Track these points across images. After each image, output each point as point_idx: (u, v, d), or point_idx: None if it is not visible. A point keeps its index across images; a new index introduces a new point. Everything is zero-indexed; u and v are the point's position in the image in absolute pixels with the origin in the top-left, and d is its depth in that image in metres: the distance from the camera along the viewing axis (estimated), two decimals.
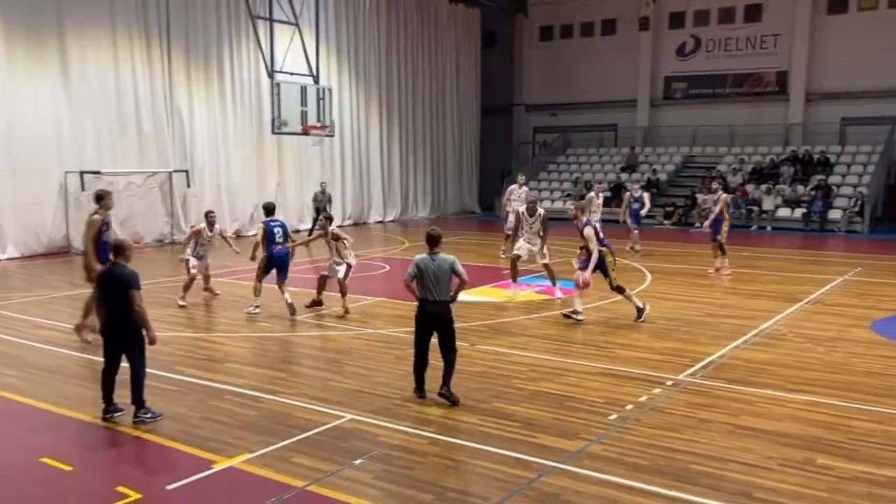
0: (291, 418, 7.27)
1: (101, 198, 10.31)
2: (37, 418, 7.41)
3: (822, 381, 8.50)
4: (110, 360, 7.24)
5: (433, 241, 7.88)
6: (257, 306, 12.08)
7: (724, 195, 16.56)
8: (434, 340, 7.81)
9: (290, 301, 11.78)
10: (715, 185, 18.27)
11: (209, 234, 12.98)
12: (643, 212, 20.08)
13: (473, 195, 35.15)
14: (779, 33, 30.04)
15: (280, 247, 11.97)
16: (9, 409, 7.72)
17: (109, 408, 7.29)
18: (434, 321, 7.72)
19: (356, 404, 7.66)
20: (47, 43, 19.12)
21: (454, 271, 7.77)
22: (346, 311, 11.83)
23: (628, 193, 20.14)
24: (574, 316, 11.39)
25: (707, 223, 16.60)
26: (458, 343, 7.91)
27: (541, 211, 13.91)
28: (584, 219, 11.84)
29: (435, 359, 7.86)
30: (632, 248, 19.29)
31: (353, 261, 12.04)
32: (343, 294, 11.86)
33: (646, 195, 20.39)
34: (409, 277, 7.76)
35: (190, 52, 22.48)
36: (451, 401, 7.60)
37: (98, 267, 9.36)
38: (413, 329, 7.91)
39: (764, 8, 30.16)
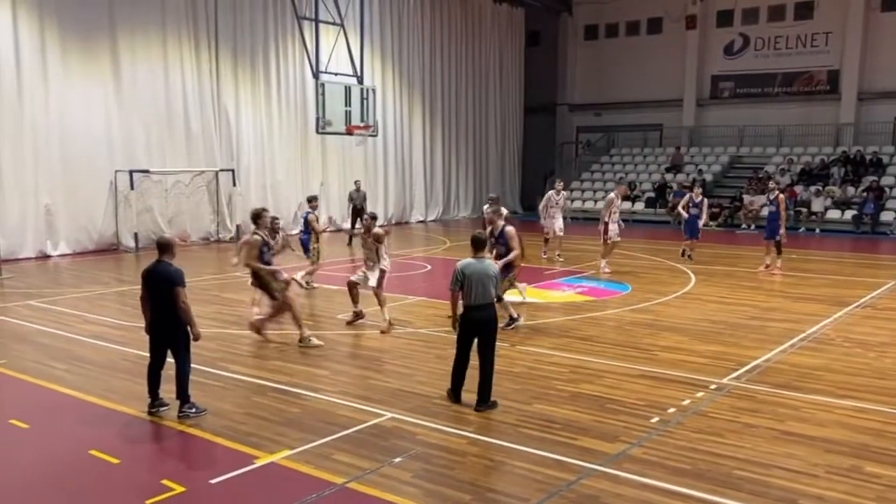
0: (332, 416, 7.34)
1: (259, 216, 10.28)
2: (85, 411, 7.60)
3: (871, 387, 8.29)
4: (155, 356, 7.40)
5: (480, 245, 7.76)
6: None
7: (781, 195, 16.58)
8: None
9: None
10: (772, 185, 17.82)
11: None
12: (700, 223, 17.96)
13: (515, 195, 35.04)
14: (830, 31, 29.37)
15: None
16: (59, 401, 7.92)
17: (155, 402, 7.44)
18: (481, 327, 7.52)
19: (396, 403, 7.70)
20: (100, 45, 19.58)
21: (497, 278, 7.67)
22: (390, 324, 10.90)
23: (688, 196, 18.25)
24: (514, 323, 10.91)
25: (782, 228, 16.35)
26: (498, 343, 7.85)
27: None
28: (501, 223, 11.06)
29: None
30: (687, 254, 17.98)
31: (387, 265, 11.11)
32: (381, 305, 10.96)
33: (706, 202, 18.52)
34: (456, 285, 7.51)
35: (237, 52, 22.84)
36: (491, 408, 7.51)
37: (284, 276, 9.97)
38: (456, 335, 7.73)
39: (815, 5, 29.53)
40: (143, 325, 7.54)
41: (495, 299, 7.67)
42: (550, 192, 18.08)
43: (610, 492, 5.70)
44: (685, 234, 18.10)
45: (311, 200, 14.71)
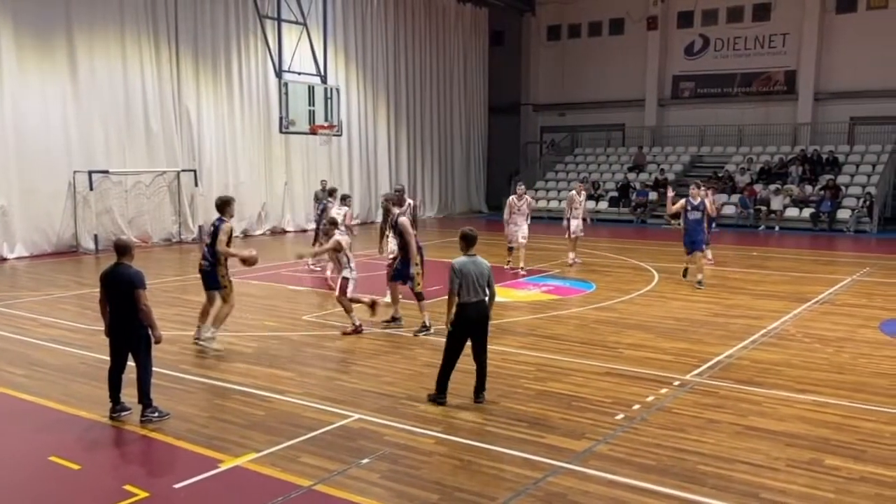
0: (298, 418, 7.28)
1: (228, 204, 9.95)
2: (44, 417, 7.44)
3: (831, 381, 8.46)
4: (116, 360, 7.27)
5: (471, 242, 7.75)
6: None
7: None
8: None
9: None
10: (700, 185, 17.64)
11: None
12: (703, 231, 14.74)
13: (481, 195, 35.15)
14: (787, 32, 29.93)
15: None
16: (16, 407, 7.75)
17: (116, 407, 7.30)
18: (477, 323, 7.52)
19: (363, 404, 7.66)
20: (56, 42, 19.20)
21: (490, 275, 7.63)
22: (356, 330, 10.68)
23: (685, 199, 14.88)
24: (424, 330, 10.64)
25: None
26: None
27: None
28: (396, 211, 11.20)
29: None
30: (696, 280, 14.36)
31: (349, 273, 10.61)
32: (347, 312, 10.68)
33: (710, 200, 15.78)
34: (455, 285, 7.43)
35: (198, 51, 22.57)
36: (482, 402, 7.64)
37: (245, 253, 9.89)
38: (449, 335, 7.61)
39: (772, 7, 30.07)
40: (103, 328, 7.39)
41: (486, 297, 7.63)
42: (512, 198, 16.63)
43: (577, 489, 5.74)
44: (685, 246, 14.80)
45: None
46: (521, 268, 15.97)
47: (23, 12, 18.39)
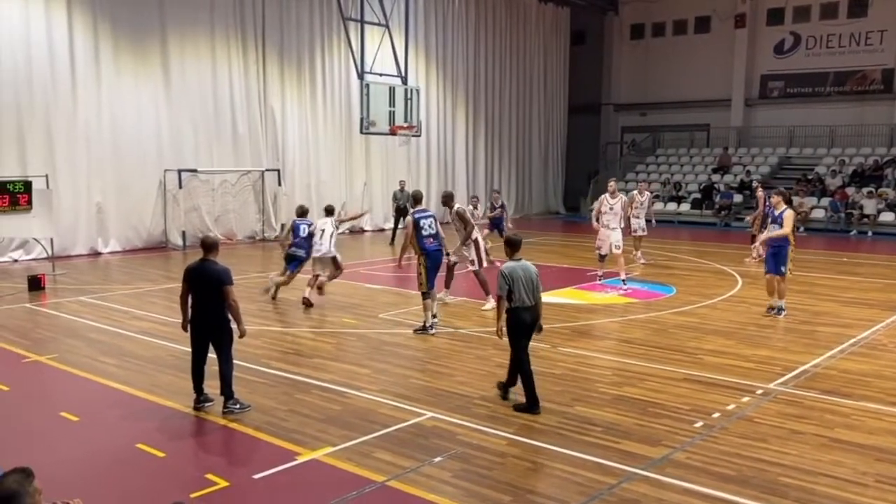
0: (374, 414, 7.38)
1: (419, 199, 11.43)
2: (133, 406, 7.76)
3: None
4: (198, 353, 7.52)
5: (516, 247, 7.73)
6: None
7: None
8: None
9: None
10: (755, 184, 18.46)
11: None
12: (786, 249, 11.85)
13: (559, 195, 34.86)
14: (885, 29, 28.63)
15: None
16: (108, 395, 8.11)
17: (200, 398, 7.56)
18: (531, 327, 7.53)
19: (437, 402, 7.72)
20: (150, 46, 19.99)
21: (538, 280, 7.60)
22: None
23: (760, 209, 15.59)
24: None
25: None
26: (540, 344, 7.83)
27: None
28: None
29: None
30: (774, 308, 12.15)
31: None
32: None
33: (789, 214, 11.64)
34: (503, 290, 7.41)
35: (284, 53, 23.11)
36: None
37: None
38: (511, 339, 7.59)
39: (869, 3, 28.82)
40: (181, 321, 7.64)
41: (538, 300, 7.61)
42: (604, 196, 15.12)
43: (652, 496, 5.64)
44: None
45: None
46: (623, 279, 14.55)
47: (120, 16, 19.22)
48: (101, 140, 19.12)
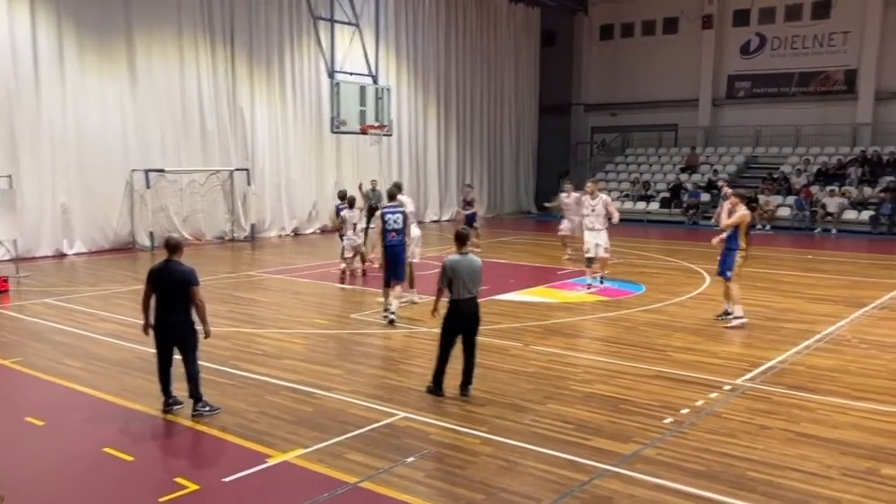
0: (346, 415, 7.35)
1: (393, 196, 11.71)
2: (99, 409, 7.64)
3: (888, 388, 8.21)
4: (163, 356, 7.41)
5: (464, 241, 7.97)
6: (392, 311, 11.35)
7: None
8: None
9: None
10: (720, 183, 18.25)
11: None
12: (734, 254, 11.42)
13: (530, 195, 35.01)
14: (848, 30, 29.14)
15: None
16: (73, 399, 7.98)
17: (169, 401, 7.47)
18: (468, 319, 7.79)
19: (409, 402, 7.70)
20: (116, 44, 19.72)
21: (481, 275, 7.86)
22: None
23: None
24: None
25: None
26: (512, 343, 7.88)
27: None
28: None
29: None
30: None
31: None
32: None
33: (726, 206, 11.77)
34: (444, 282, 7.75)
35: (253, 52, 22.92)
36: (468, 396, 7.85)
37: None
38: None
39: (832, 4, 29.31)
40: (143, 324, 7.49)
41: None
42: (583, 197, 15.25)
43: (623, 493, 5.68)
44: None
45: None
46: (589, 281, 14.28)
47: (85, 14, 18.94)
48: (66, 139, 18.83)
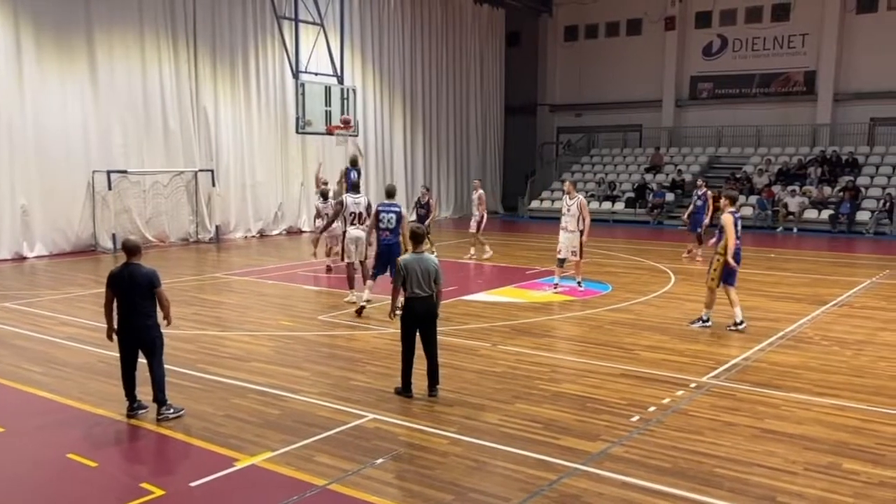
0: (313, 417, 7.30)
1: (391, 194, 12.44)
2: (62, 414, 7.49)
3: (849, 384, 8.38)
4: (127, 360, 7.28)
5: (418, 240, 8.09)
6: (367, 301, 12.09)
7: (710, 192, 18.50)
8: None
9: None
10: (699, 182, 19.39)
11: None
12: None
13: (497, 195, 35.08)
14: (807, 33, 29.70)
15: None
16: (35, 404, 7.82)
17: (133, 405, 7.34)
18: (424, 317, 7.85)
19: (378, 404, 7.67)
20: (76, 43, 19.36)
21: (437, 273, 7.90)
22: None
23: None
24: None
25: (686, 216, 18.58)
26: (480, 343, 7.90)
27: None
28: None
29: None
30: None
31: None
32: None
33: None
34: (399, 280, 7.88)
35: (216, 52, 22.68)
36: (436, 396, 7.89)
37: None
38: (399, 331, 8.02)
39: (792, 7, 29.84)
40: (106, 329, 7.36)
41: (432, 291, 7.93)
42: (564, 196, 15.65)
43: (592, 491, 5.71)
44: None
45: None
46: (578, 281, 14.15)
47: (43, 13, 18.57)
48: (25, 140, 18.44)
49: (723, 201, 11.36)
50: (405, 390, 7.91)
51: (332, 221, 14.08)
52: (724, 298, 11.00)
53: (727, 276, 10.90)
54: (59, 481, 6.03)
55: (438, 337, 8.09)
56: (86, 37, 19.53)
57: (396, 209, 12.02)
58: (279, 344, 10.32)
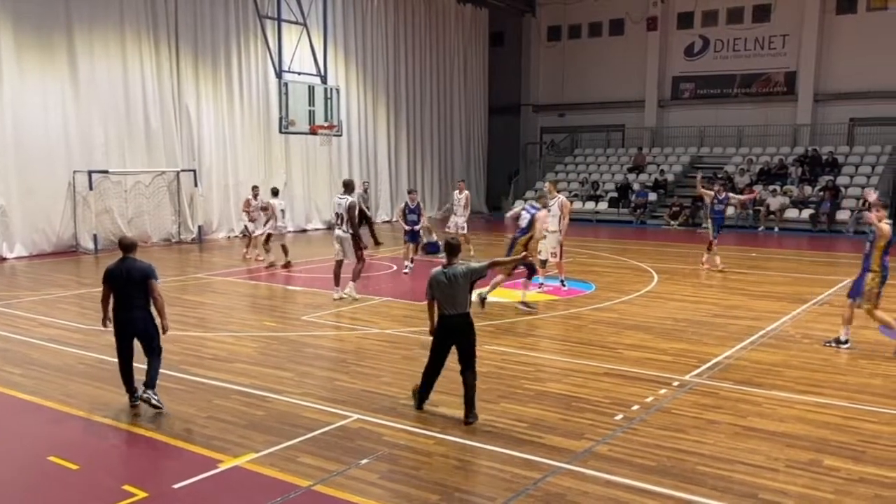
0: (297, 418, 7.27)
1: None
2: (43, 416, 7.43)
3: (830, 382, 8.46)
4: (124, 353, 7.38)
5: (453, 252, 7.40)
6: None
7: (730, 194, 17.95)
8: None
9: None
10: (717, 187, 17.40)
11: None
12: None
13: (481, 195, 35.10)
14: (787, 34, 29.93)
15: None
16: (15, 406, 7.74)
17: (134, 396, 7.44)
18: (454, 334, 7.22)
19: (362, 404, 7.66)
20: (56, 42, 19.18)
21: (471, 276, 7.25)
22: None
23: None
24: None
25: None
26: None
27: None
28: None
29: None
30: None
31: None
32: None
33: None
34: (429, 297, 7.35)
35: (198, 51, 22.55)
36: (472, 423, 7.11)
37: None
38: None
39: (772, 8, 30.05)
40: (101, 320, 7.45)
41: (469, 306, 7.30)
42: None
43: (576, 489, 5.73)
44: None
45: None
46: (561, 280, 14.20)
47: (23, 12, 18.38)
48: (5, 140, 18.24)
49: (877, 212, 9.74)
50: (417, 405, 7.49)
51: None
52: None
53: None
54: (40, 484, 5.97)
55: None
56: (66, 35, 19.36)
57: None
58: (262, 344, 10.28)
